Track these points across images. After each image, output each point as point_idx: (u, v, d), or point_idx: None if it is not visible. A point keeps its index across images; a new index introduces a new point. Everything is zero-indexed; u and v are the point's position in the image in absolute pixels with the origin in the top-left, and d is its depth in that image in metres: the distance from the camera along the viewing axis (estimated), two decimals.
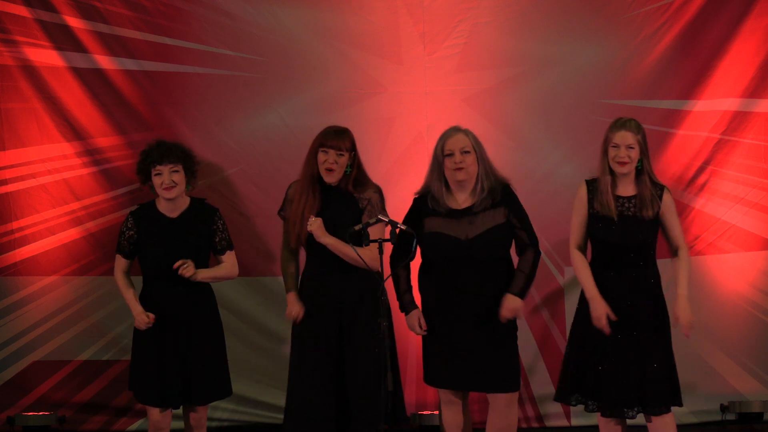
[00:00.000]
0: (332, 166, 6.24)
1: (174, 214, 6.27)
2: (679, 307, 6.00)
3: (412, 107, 7.77)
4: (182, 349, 6.21)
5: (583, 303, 6.11)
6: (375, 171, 7.64)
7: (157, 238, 6.22)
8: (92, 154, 7.73)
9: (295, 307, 6.30)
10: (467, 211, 6.13)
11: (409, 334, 7.68)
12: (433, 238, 6.14)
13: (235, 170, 7.76)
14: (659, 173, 7.44)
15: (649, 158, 6.07)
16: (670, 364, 6.03)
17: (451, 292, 6.12)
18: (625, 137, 6.02)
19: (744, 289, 7.78)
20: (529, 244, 6.20)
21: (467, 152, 6.12)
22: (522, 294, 6.10)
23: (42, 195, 7.73)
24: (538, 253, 6.21)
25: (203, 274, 6.25)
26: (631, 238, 5.99)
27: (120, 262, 6.34)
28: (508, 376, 6.18)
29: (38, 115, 7.70)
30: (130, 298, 6.27)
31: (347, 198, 6.30)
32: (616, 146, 6.03)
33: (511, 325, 6.21)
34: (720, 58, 7.69)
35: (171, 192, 6.20)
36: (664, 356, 6.01)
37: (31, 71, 7.68)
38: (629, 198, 6.06)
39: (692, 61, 7.70)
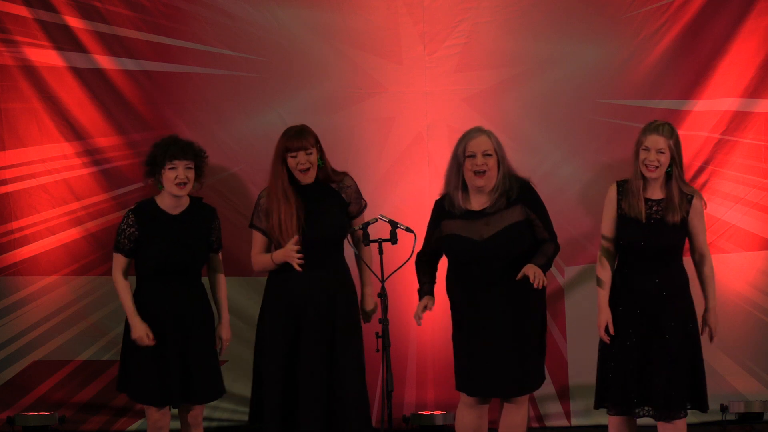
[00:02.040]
0: (305, 166, 6.23)
1: (176, 212, 6.25)
2: (711, 320, 6.07)
3: (412, 107, 7.77)
4: (181, 347, 6.20)
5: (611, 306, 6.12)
6: (375, 171, 7.66)
7: (160, 236, 6.19)
8: (92, 154, 7.73)
9: (293, 249, 6.20)
10: (483, 213, 6.10)
11: (409, 335, 7.69)
12: (450, 240, 6.11)
13: (235, 170, 7.76)
14: None
15: (680, 164, 6.02)
16: (697, 368, 6.02)
17: (474, 293, 6.09)
18: (656, 141, 5.98)
19: (744, 289, 7.77)
20: (549, 240, 6.18)
21: (489, 155, 6.08)
22: (542, 267, 6.02)
23: (42, 195, 7.73)
24: (557, 247, 6.19)
25: (226, 319, 6.34)
26: (655, 241, 5.97)
27: (119, 262, 6.24)
28: (526, 379, 6.14)
29: (38, 115, 7.71)
30: (131, 307, 6.16)
31: (328, 191, 6.29)
32: (647, 149, 5.99)
33: (536, 322, 6.16)
34: (720, 58, 7.69)
35: (183, 189, 6.16)
36: (690, 359, 6.00)
37: (31, 71, 7.68)
38: (657, 201, 6.03)
39: (692, 61, 7.70)
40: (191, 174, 6.18)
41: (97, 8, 7.66)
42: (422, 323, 6.23)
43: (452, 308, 6.18)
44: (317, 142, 6.27)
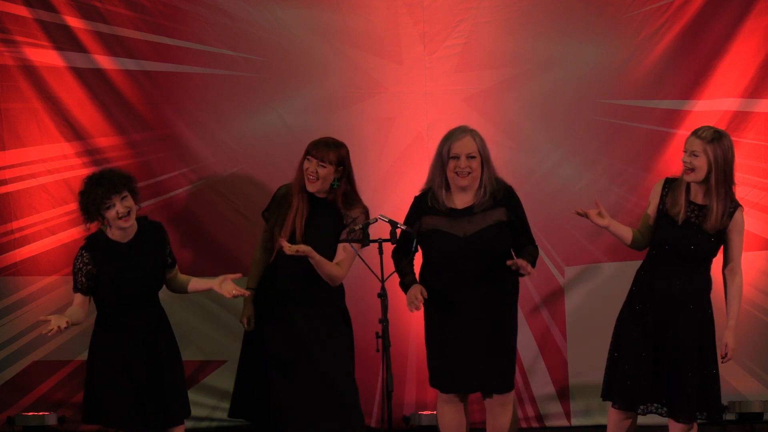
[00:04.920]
0: (313, 175, 6.21)
1: (127, 239, 6.10)
2: (731, 340, 5.99)
3: (412, 107, 7.77)
4: (150, 372, 6.09)
5: (626, 301, 6.09)
6: (375, 171, 7.66)
7: (117, 268, 6.05)
8: (92, 154, 7.73)
9: (248, 312, 6.39)
10: (467, 211, 6.13)
11: (408, 334, 7.69)
12: (432, 236, 6.14)
13: (235, 170, 7.76)
14: (659, 173, 7.45)
15: (723, 174, 5.92)
16: (709, 376, 5.97)
17: (451, 290, 6.11)
18: (691, 143, 5.93)
19: (744, 289, 7.74)
20: (529, 243, 6.23)
21: (473, 157, 6.09)
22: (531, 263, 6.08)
23: (42, 195, 7.73)
24: (537, 249, 6.24)
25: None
26: (686, 246, 5.94)
27: (78, 301, 6.11)
28: (502, 377, 6.17)
29: (38, 115, 7.70)
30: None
31: (333, 212, 6.27)
32: (685, 151, 5.96)
33: (511, 322, 6.20)
34: (720, 58, 7.69)
35: (129, 220, 6.02)
36: (703, 366, 5.97)
37: (31, 71, 7.67)
38: (700, 207, 5.99)
39: (692, 61, 7.70)
40: (129, 202, 6.02)
41: (97, 8, 7.66)
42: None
43: (426, 304, 6.19)
44: (340, 165, 6.25)
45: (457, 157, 6.08)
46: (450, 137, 6.16)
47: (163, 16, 7.68)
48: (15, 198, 7.73)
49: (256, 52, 7.73)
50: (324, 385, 6.25)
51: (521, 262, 5.97)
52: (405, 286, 6.19)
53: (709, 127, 5.99)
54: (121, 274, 6.06)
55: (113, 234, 6.10)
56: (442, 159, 6.13)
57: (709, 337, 6.03)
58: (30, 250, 7.74)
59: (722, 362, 6.02)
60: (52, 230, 7.74)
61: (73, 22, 7.64)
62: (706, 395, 5.97)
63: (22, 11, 7.63)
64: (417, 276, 6.28)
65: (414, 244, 6.10)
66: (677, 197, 6.00)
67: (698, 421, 6.01)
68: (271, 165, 7.61)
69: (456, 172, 6.09)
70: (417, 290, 6.11)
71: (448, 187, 6.16)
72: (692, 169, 5.92)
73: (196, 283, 6.28)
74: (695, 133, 5.94)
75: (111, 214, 6.00)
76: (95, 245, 6.09)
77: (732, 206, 5.98)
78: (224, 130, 7.75)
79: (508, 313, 6.20)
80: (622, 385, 6.02)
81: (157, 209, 7.58)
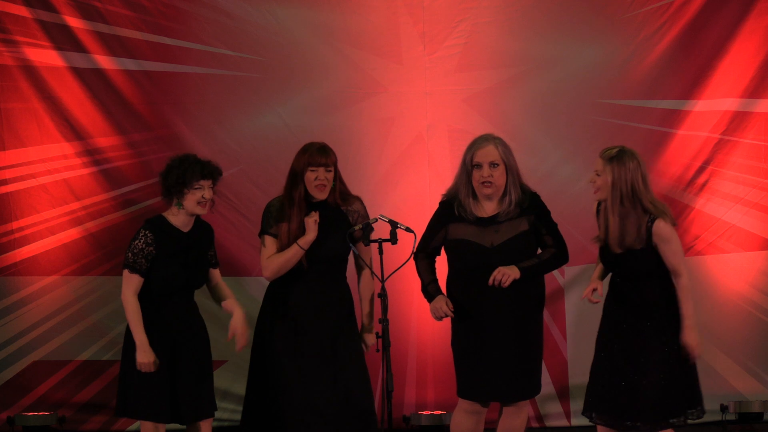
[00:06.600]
0: (323, 182, 6.17)
1: (187, 229, 6.08)
2: (689, 338, 5.82)
3: (412, 107, 7.77)
4: (193, 363, 6.09)
5: (604, 313, 6.05)
6: (375, 171, 7.67)
7: (177, 255, 5.99)
8: (92, 154, 7.74)
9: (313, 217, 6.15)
10: (493, 219, 6.09)
11: (408, 334, 7.69)
12: (459, 246, 6.09)
13: (235, 170, 7.76)
14: (659, 173, 7.46)
15: (621, 192, 5.74)
16: (664, 379, 5.90)
17: (477, 300, 6.08)
18: (596, 163, 5.84)
19: (744, 289, 7.78)
20: (554, 246, 6.16)
21: (496, 165, 6.06)
22: (524, 270, 5.97)
23: (42, 195, 7.74)
24: (560, 256, 6.13)
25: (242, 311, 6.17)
26: (615, 266, 5.90)
27: (134, 283, 5.95)
28: (528, 386, 6.15)
29: (38, 115, 7.71)
30: (143, 334, 5.91)
31: (336, 212, 6.23)
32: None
33: (537, 331, 6.15)
34: (720, 58, 7.70)
35: (205, 208, 6.02)
36: (656, 371, 5.91)
37: (31, 71, 7.68)
38: None
39: (692, 61, 7.71)
40: (212, 194, 6.00)
41: (97, 8, 7.67)
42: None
43: (454, 313, 6.16)
44: (336, 162, 6.22)
45: (479, 166, 6.04)
46: (473, 146, 6.10)
47: (163, 16, 7.69)
48: (15, 198, 7.74)
49: (256, 52, 7.73)
50: (345, 396, 6.19)
51: (494, 274, 5.93)
52: (429, 296, 6.13)
53: (616, 147, 5.83)
54: (179, 262, 5.98)
55: (176, 221, 6.03)
56: (467, 168, 6.09)
57: (662, 343, 5.90)
58: (30, 250, 7.75)
59: (691, 363, 5.88)
60: (52, 230, 7.75)
61: (73, 22, 7.65)
62: (640, 402, 5.88)
63: (22, 11, 7.64)
64: (444, 283, 6.23)
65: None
66: (600, 221, 5.94)
67: (672, 419, 5.94)
68: (271, 165, 7.62)
69: (480, 182, 6.04)
70: (442, 302, 6.06)
71: (474, 195, 6.12)
72: (595, 190, 5.86)
73: (228, 304, 6.17)
74: (601, 152, 5.85)
75: (196, 195, 5.94)
76: (158, 228, 6.01)
77: (649, 221, 5.84)
78: (224, 130, 7.75)
79: (534, 323, 6.14)
80: (590, 398, 6.00)
81: (157, 209, 7.57)
